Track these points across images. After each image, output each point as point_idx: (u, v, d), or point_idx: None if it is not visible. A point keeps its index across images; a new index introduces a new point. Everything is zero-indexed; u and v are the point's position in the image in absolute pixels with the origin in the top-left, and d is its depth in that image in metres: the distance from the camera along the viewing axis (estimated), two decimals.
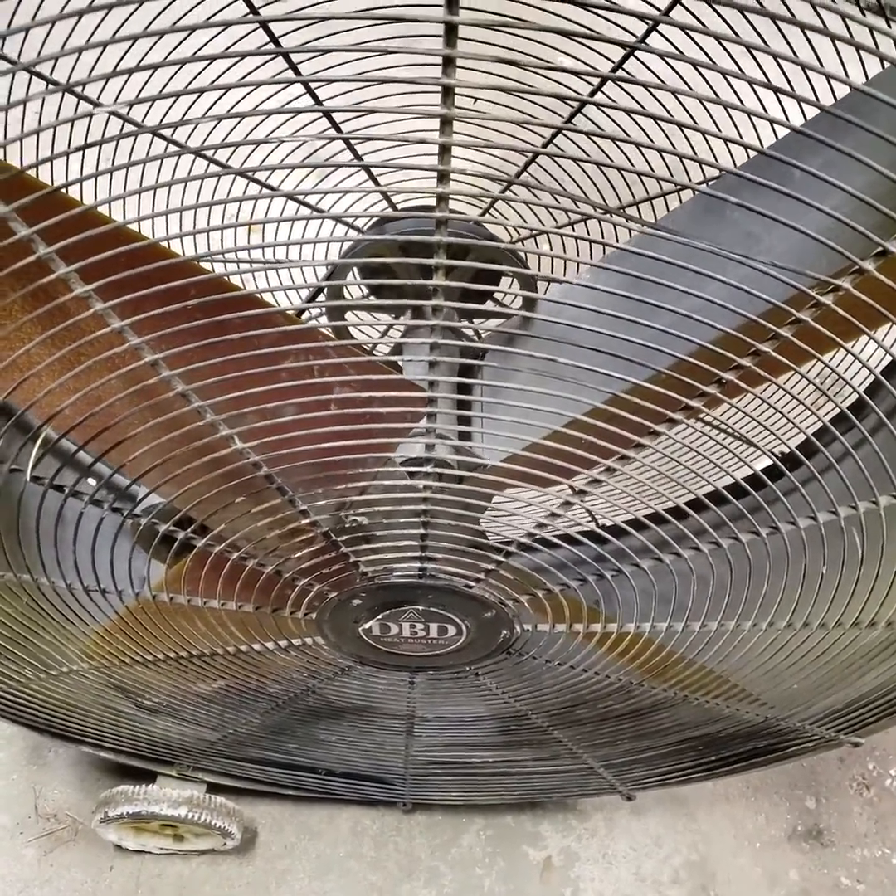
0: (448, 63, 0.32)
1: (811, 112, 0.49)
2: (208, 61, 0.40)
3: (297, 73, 0.66)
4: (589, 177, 0.76)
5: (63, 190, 0.40)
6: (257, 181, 0.84)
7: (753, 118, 0.42)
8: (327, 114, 0.73)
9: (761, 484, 0.54)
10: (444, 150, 0.35)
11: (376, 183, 0.82)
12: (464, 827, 1.22)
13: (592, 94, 0.73)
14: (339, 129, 0.76)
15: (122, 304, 0.41)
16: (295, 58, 0.69)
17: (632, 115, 0.43)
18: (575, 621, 0.65)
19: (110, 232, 0.39)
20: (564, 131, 0.80)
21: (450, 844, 1.20)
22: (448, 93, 0.33)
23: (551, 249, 0.96)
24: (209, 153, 0.88)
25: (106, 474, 0.58)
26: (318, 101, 0.73)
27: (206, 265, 0.45)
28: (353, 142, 0.75)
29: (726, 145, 0.71)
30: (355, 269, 0.77)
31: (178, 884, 1.12)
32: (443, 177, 0.36)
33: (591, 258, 0.93)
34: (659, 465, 0.50)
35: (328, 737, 0.96)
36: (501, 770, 1.02)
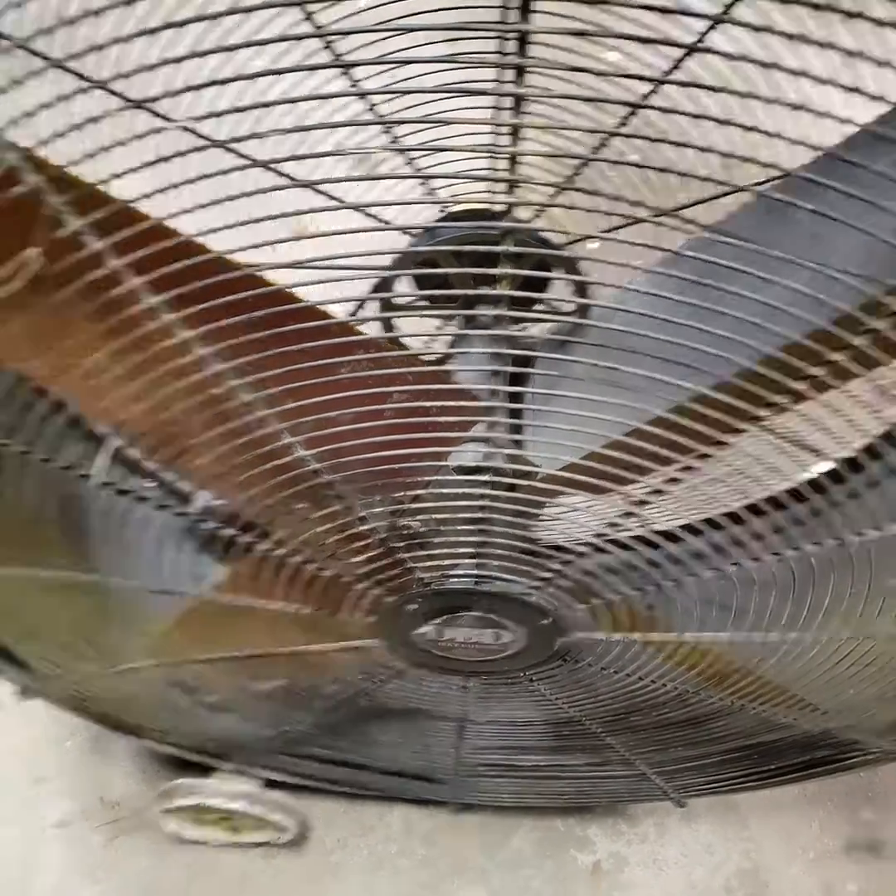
0: (520, 72, 0.32)
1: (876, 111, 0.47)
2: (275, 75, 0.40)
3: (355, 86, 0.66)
4: (648, 179, 0.75)
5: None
6: (322, 192, 0.85)
7: (814, 117, 0.40)
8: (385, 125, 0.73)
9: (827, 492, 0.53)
10: (514, 160, 0.35)
11: (431, 192, 0.82)
12: (512, 828, 1.21)
13: (648, 96, 0.72)
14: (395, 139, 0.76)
15: (189, 316, 0.42)
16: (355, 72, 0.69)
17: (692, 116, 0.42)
18: (633, 630, 0.65)
19: (177, 245, 0.40)
20: (614, 134, 0.78)
21: (499, 845, 1.20)
22: (520, 102, 0.33)
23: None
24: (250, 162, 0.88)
25: (168, 479, 0.59)
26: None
27: (271, 275, 0.46)
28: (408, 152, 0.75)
29: (787, 146, 0.69)
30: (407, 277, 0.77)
31: (234, 874, 1.15)
32: (512, 186, 0.35)
33: (643, 263, 0.92)
34: (722, 475, 0.49)
35: (379, 738, 0.96)
36: (552, 774, 1.02)
